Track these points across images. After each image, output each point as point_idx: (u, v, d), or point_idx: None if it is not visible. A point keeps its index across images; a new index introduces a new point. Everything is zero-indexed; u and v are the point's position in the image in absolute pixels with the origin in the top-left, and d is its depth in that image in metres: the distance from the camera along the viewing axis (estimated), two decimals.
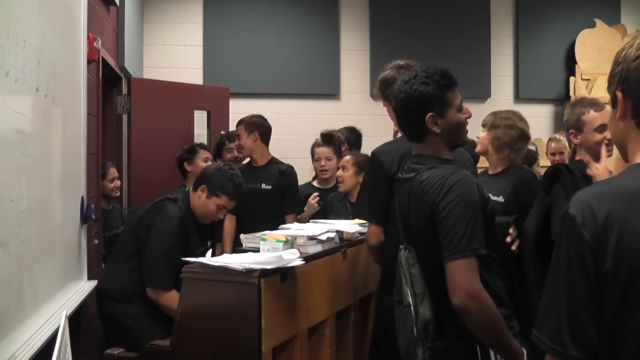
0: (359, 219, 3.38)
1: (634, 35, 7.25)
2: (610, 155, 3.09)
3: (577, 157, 3.25)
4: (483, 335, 2.22)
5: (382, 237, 2.91)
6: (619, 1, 7.98)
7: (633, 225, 1.34)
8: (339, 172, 4.42)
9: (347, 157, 4.41)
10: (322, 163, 4.73)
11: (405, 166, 2.50)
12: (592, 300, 1.36)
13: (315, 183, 4.90)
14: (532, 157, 5.17)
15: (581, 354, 1.36)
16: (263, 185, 4.85)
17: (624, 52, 1.48)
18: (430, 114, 2.33)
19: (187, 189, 3.84)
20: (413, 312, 2.34)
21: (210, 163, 4.86)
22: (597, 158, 3.08)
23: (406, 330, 2.37)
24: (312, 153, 4.99)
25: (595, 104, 3.15)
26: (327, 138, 4.77)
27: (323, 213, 4.51)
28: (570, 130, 3.19)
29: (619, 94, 1.48)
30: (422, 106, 2.33)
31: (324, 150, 4.76)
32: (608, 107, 1.54)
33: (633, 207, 1.36)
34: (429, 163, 2.36)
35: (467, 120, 2.46)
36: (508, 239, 2.72)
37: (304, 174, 5.93)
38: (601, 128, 3.09)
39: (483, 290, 2.16)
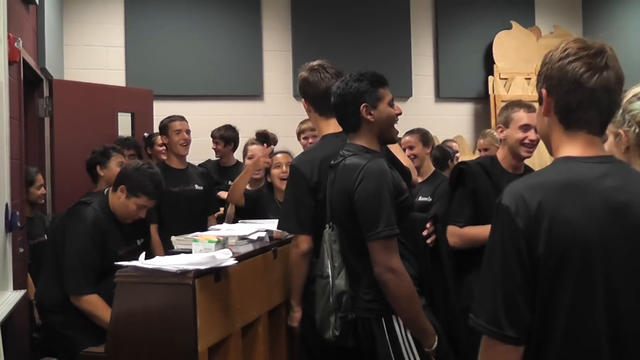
0: (286, 231, 3.23)
1: (548, 37, 7.50)
2: (528, 157, 3.27)
3: (498, 152, 3.44)
4: (398, 307, 2.52)
5: (312, 244, 2.90)
6: (533, 4, 8.30)
7: (562, 213, 1.48)
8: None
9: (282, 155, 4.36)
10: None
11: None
12: (526, 283, 1.49)
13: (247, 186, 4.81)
14: (447, 154, 5.33)
15: (517, 333, 1.49)
16: (196, 186, 4.83)
17: (550, 54, 1.63)
18: (364, 104, 2.66)
19: (105, 191, 3.71)
20: (331, 283, 2.62)
21: None
22: (516, 156, 3.29)
23: (323, 301, 2.64)
24: (245, 151, 4.88)
25: (528, 107, 3.33)
26: (262, 137, 4.75)
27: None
28: (499, 125, 3.37)
29: (544, 91, 1.63)
30: (357, 98, 2.67)
31: (258, 148, 4.69)
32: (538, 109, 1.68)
33: (562, 197, 1.50)
34: (354, 151, 2.68)
35: (397, 117, 2.76)
36: (425, 232, 2.91)
37: None
38: (526, 127, 3.25)
39: (401, 266, 2.50)
